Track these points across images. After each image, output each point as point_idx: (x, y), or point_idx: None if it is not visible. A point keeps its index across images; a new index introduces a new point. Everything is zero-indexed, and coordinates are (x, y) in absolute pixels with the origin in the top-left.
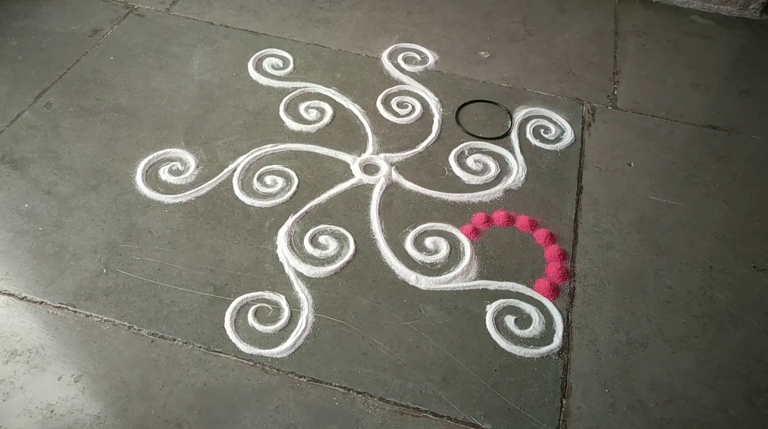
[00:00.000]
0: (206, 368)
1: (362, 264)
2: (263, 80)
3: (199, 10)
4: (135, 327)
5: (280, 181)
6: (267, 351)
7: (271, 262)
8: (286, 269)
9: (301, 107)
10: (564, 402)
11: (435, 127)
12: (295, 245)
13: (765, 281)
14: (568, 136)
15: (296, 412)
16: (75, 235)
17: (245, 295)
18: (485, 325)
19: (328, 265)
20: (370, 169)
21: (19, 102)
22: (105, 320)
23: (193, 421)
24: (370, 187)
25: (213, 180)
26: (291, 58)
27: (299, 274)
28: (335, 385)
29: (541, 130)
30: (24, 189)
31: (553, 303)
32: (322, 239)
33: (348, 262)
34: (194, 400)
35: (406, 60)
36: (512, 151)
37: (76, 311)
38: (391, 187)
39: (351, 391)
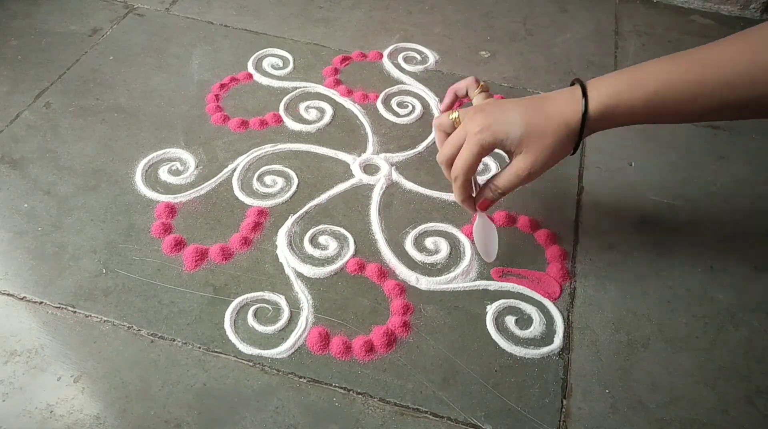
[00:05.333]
0: (206, 369)
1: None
2: (263, 80)
3: (199, 10)
4: (134, 327)
5: (280, 181)
6: (267, 351)
7: (271, 262)
8: (286, 269)
9: (301, 107)
10: (564, 402)
11: None
12: (295, 245)
13: (765, 281)
14: None
15: (296, 412)
16: (74, 235)
17: (245, 296)
18: (485, 326)
19: (328, 265)
20: (370, 169)
21: (19, 102)
22: (104, 320)
23: (193, 422)
24: (370, 187)
25: (213, 180)
26: (291, 58)
27: (299, 275)
28: (335, 386)
29: None
30: (23, 189)
31: (554, 303)
32: (322, 239)
33: (348, 263)
34: (194, 401)
35: (406, 60)
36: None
37: (75, 311)
38: (391, 187)
39: (351, 392)
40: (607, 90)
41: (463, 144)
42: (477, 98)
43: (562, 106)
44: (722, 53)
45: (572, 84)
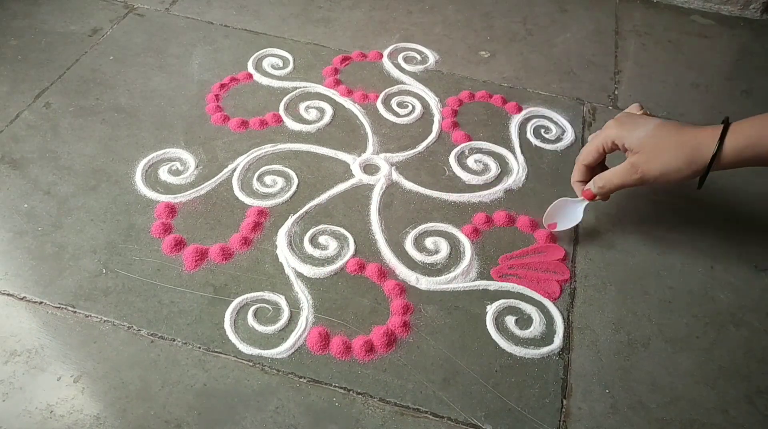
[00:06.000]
0: (206, 369)
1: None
2: (263, 80)
3: (199, 10)
4: (134, 327)
5: (280, 181)
6: (267, 351)
7: (271, 262)
8: (286, 269)
9: (301, 107)
10: (564, 402)
11: (435, 127)
12: (294, 245)
13: (766, 281)
14: (569, 136)
15: (296, 412)
16: (74, 235)
17: (245, 296)
18: (485, 326)
19: (328, 265)
20: (370, 169)
21: (19, 102)
22: (104, 320)
23: (193, 422)
24: (370, 187)
25: (213, 180)
26: (291, 58)
27: (299, 275)
28: (335, 386)
29: (542, 130)
30: (23, 189)
31: (554, 303)
32: (322, 239)
33: (348, 262)
34: (194, 401)
35: (406, 60)
36: (513, 151)
37: (75, 311)
38: (391, 187)
39: (351, 392)
40: (750, 127)
41: None
42: None
43: (701, 132)
44: None
45: (724, 121)
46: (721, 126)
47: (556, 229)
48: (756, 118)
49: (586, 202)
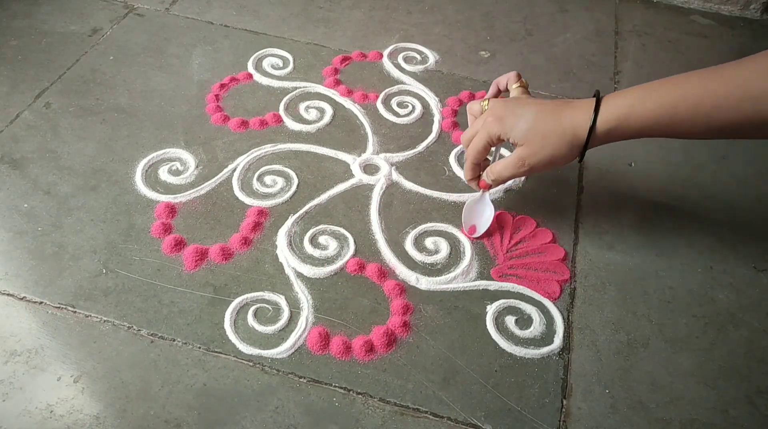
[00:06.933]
0: (206, 369)
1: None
2: (263, 80)
3: (199, 10)
4: (134, 327)
5: (280, 181)
6: (267, 351)
7: (271, 262)
8: (286, 269)
9: (301, 107)
10: (564, 402)
11: (435, 127)
12: (294, 245)
13: (765, 282)
14: None
15: (296, 412)
16: (74, 235)
17: (245, 296)
18: (485, 326)
19: (328, 265)
20: (370, 169)
21: (19, 102)
22: (104, 320)
23: (193, 422)
24: (370, 187)
25: (213, 180)
26: (291, 58)
27: (299, 275)
28: (335, 386)
29: None
30: (23, 189)
31: (554, 303)
32: (322, 239)
33: (348, 262)
34: (194, 401)
35: (406, 60)
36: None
37: (75, 311)
38: (391, 187)
39: (351, 392)
40: (618, 106)
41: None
42: (513, 92)
43: (576, 115)
44: (746, 68)
45: (595, 95)
46: (594, 101)
47: (476, 234)
48: (627, 93)
49: (487, 191)
